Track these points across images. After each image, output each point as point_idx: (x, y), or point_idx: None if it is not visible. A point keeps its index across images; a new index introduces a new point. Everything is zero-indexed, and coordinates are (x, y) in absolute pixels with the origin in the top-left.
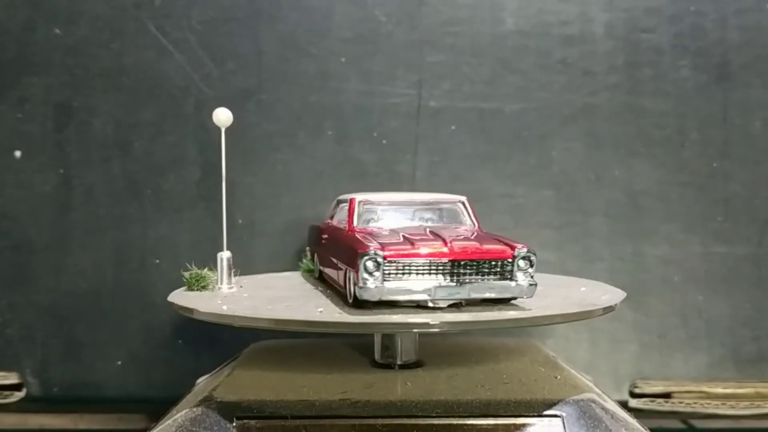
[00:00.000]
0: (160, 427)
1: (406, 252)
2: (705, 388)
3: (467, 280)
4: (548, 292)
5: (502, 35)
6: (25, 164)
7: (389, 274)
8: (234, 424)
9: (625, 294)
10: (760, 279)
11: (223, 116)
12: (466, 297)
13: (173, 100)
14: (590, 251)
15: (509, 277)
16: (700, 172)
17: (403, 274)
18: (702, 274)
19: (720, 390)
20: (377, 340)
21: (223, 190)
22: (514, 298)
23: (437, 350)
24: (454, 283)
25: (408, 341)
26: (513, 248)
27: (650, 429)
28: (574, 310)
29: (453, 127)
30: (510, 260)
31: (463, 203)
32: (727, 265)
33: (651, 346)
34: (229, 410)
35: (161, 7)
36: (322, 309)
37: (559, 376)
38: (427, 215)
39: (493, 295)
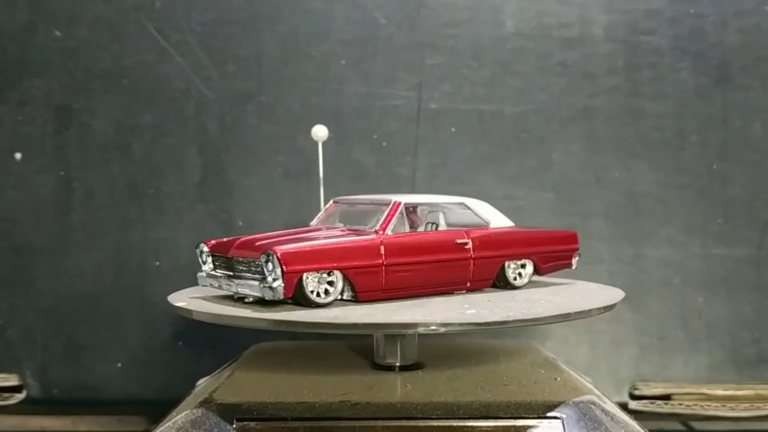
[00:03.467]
0: (160, 429)
1: (219, 247)
2: (705, 390)
3: (239, 276)
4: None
5: (502, 37)
6: (25, 166)
7: (217, 265)
8: (234, 425)
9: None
10: (760, 281)
11: (321, 132)
12: (236, 291)
13: (173, 102)
14: (590, 253)
15: (261, 277)
16: (700, 175)
17: (220, 267)
18: (702, 276)
19: (720, 392)
20: (377, 341)
21: (321, 198)
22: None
23: (437, 352)
24: (226, 278)
25: (408, 343)
26: (267, 249)
27: (650, 431)
28: (574, 310)
29: (453, 129)
30: (259, 261)
31: (389, 204)
32: (726, 267)
33: (651, 348)
34: (229, 412)
35: (161, 10)
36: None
37: (559, 378)
38: (363, 216)
39: (248, 292)
